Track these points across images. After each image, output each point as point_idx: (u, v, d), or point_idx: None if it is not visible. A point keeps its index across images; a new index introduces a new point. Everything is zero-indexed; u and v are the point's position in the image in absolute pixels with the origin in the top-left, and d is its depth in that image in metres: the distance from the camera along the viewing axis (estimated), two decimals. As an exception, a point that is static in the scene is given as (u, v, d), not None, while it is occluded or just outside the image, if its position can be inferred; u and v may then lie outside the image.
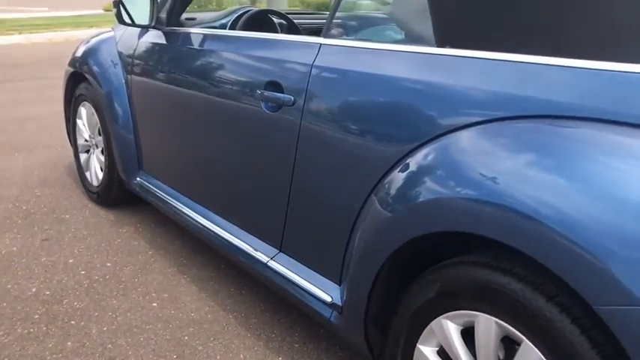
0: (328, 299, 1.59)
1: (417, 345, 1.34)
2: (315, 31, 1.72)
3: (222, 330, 1.96)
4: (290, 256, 1.77)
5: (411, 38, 1.51)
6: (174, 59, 2.27)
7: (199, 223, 2.15)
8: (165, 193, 2.41)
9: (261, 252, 1.86)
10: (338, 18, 1.64)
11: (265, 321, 2.02)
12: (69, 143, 3.30)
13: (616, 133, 1.05)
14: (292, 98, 1.64)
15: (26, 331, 1.91)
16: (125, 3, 2.40)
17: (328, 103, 1.57)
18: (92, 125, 2.94)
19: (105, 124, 2.73)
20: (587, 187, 1.02)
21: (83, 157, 3.10)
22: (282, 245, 1.80)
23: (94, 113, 2.85)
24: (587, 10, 1.17)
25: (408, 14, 1.54)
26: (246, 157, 1.88)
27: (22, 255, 2.42)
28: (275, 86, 1.71)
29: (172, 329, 1.95)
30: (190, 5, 2.56)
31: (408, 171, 1.33)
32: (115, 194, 2.87)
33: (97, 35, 3.01)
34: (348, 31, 1.65)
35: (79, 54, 2.97)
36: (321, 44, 1.63)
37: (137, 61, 2.53)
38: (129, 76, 2.59)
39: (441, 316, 1.27)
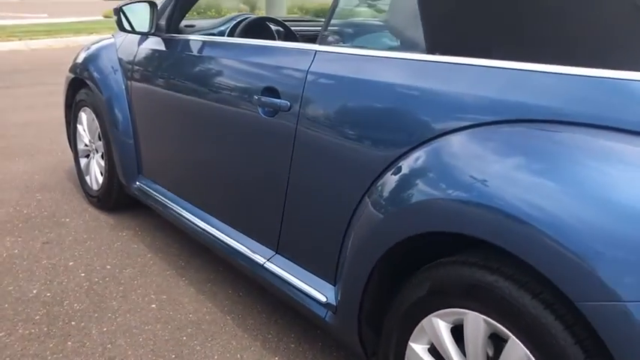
0: (323, 299, 1.63)
1: (409, 343, 1.37)
2: (312, 38, 1.77)
3: (220, 331, 2.00)
4: (286, 258, 1.81)
5: (403, 45, 1.56)
6: (173, 65, 2.32)
7: (198, 226, 2.19)
8: (164, 197, 2.45)
9: (258, 254, 1.90)
10: (333, 25, 1.68)
11: (262, 322, 2.06)
12: (69, 148, 3.35)
13: (599, 137, 1.10)
14: (288, 103, 1.68)
15: (27, 332, 1.94)
16: (125, 10, 2.45)
17: (323, 109, 1.61)
18: (92, 130, 2.98)
19: (105, 129, 2.77)
20: (571, 189, 1.06)
21: (83, 161, 3.15)
22: (279, 247, 1.84)
23: (95, 118, 2.90)
24: (573, 17, 1.21)
25: (400, 22, 1.59)
26: (244, 161, 1.93)
27: (23, 257, 2.46)
28: (272, 92, 1.75)
29: (171, 330, 1.99)
30: (189, 12, 2.61)
31: (400, 174, 1.37)
32: (115, 198, 2.91)
33: (97, 42, 3.06)
34: (342, 38, 1.70)
35: (79, 60, 3.01)
36: (316, 51, 1.67)
37: (137, 67, 2.58)
38: (129, 82, 2.64)
39: (431, 314, 1.31)
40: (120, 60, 2.74)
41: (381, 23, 1.75)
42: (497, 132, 1.23)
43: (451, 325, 1.29)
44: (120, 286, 2.26)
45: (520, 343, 1.12)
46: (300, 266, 1.76)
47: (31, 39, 9.93)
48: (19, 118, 4.83)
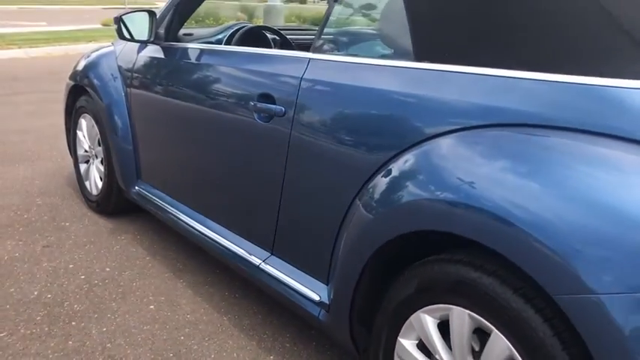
0: (316, 298, 1.68)
1: (398, 338, 1.43)
2: (307, 47, 1.83)
3: (217, 330, 2.05)
4: (281, 259, 1.87)
5: (393, 53, 1.63)
6: (172, 73, 2.38)
7: (196, 229, 2.25)
8: (162, 201, 2.51)
9: (254, 255, 1.95)
10: (326, 34, 1.75)
11: (258, 322, 2.12)
12: (68, 154, 3.40)
13: (579, 140, 1.16)
14: (283, 109, 1.74)
15: (29, 332, 1.99)
16: (125, 20, 2.51)
17: (316, 114, 1.67)
18: (92, 136, 3.04)
19: (105, 135, 2.83)
20: (550, 189, 1.12)
21: (83, 167, 3.20)
22: (274, 248, 1.90)
23: (94, 125, 2.95)
24: (557, 26, 1.27)
25: (390, 32, 1.66)
26: (240, 165, 1.99)
27: (24, 260, 2.51)
28: (267, 98, 1.81)
29: (169, 330, 2.04)
30: (188, 21, 2.67)
31: (390, 176, 1.43)
32: (114, 203, 2.96)
33: (97, 50, 3.12)
34: (335, 46, 1.77)
35: (79, 68, 3.07)
36: (310, 59, 1.74)
37: (136, 75, 2.64)
38: (128, 89, 2.70)
39: (419, 311, 1.36)
40: (119, 67, 2.80)
41: (372, 32, 1.82)
42: (482, 136, 1.29)
43: (438, 321, 1.34)
44: (119, 288, 2.31)
45: (502, 336, 1.18)
46: (295, 267, 1.82)
47: (30, 47, 9.99)
48: (19, 124, 4.88)
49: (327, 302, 1.65)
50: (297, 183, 1.75)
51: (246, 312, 2.18)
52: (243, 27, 2.71)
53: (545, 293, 1.09)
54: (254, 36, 2.66)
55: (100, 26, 14.70)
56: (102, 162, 2.96)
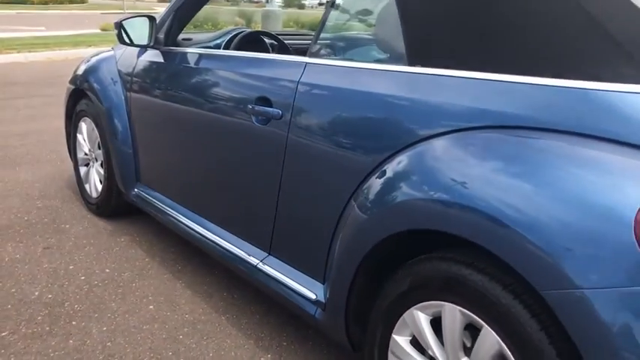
0: (313, 297, 1.72)
1: (392, 335, 1.47)
2: (304, 51, 1.88)
3: (215, 330, 2.09)
4: (278, 259, 1.91)
5: (387, 58, 1.67)
6: (171, 77, 2.42)
7: (194, 230, 2.29)
8: (162, 203, 2.55)
9: (252, 256, 1.99)
10: (322, 39, 1.79)
11: (255, 322, 2.15)
12: (68, 158, 3.44)
13: (566, 142, 1.20)
14: (280, 112, 1.79)
15: (30, 331, 2.03)
16: (125, 25, 2.56)
17: (312, 117, 1.72)
18: (92, 140, 3.08)
19: (105, 138, 2.87)
20: (539, 190, 1.16)
21: (83, 170, 3.24)
22: (272, 249, 1.93)
23: (94, 128, 2.99)
24: (547, 31, 1.31)
25: (384, 37, 1.71)
26: (238, 167, 2.03)
27: (25, 262, 2.54)
28: (265, 101, 1.85)
29: (168, 329, 2.08)
30: (187, 26, 2.72)
31: (384, 177, 1.47)
32: (114, 205, 3.00)
33: (97, 54, 3.16)
34: (331, 51, 1.81)
35: (80, 72, 3.11)
36: (306, 63, 1.78)
37: (136, 79, 2.68)
38: (128, 93, 2.74)
39: (412, 308, 1.40)
40: (119, 72, 2.84)
41: (367, 37, 1.86)
42: (474, 137, 1.33)
43: (430, 318, 1.38)
44: (119, 289, 2.35)
45: (492, 331, 1.22)
46: (292, 266, 1.85)
47: (29, 51, 10.03)
48: (19, 128, 4.92)
49: (324, 301, 1.69)
50: (293, 184, 1.79)
51: (244, 312, 2.22)
52: (242, 32, 2.76)
53: (533, 289, 1.13)
54: (252, 41, 2.70)
55: (98, 31, 14.74)
56: (102, 165, 3.00)
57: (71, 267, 2.51)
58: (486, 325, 1.23)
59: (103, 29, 14.92)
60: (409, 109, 1.47)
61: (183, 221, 2.36)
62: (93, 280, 2.41)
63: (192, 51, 2.42)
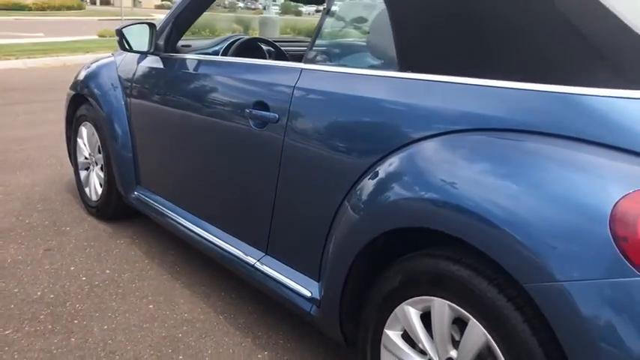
0: (308, 294, 1.78)
1: (384, 330, 1.53)
2: (300, 57, 1.94)
3: (213, 328, 2.14)
4: (275, 258, 1.97)
5: (379, 64, 1.74)
6: (171, 82, 2.49)
7: (193, 231, 2.34)
8: (161, 205, 2.61)
9: (249, 255, 2.05)
10: (317, 46, 1.86)
11: (252, 321, 2.21)
12: (68, 162, 3.50)
13: (549, 144, 1.27)
14: (277, 116, 1.85)
15: (33, 329, 2.08)
16: (126, 32, 2.62)
17: (308, 120, 1.78)
18: (92, 144, 3.14)
19: (105, 142, 2.93)
20: (523, 189, 1.22)
21: (83, 174, 3.30)
22: (268, 248, 1.99)
23: (95, 133, 3.05)
24: (528, 40, 1.38)
25: (376, 44, 1.78)
26: (236, 169, 2.09)
27: (27, 263, 2.59)
28: (262, 106, 1.92)
29: (167, 327, 2.13)
30: (186, 33, 2.78)
31: (376, 178, 1.53)
32: (114, 208, 3.06)
33: (97, 60, 3.22)
34: (325, 57, 1.88)
35: (80, 78, 3.18)
36: (302, 69, 1.85)
37: (136, 85, 2.74)
38: (128, 98, 2.80)
39: (403, 303, 1.46)
40: (119, 77, 2.90)
41: (360, 44, 1.93)
42: (462, 140, 1.40)
43: (421, 312, 1.44)
44: (119, 289, 2.40)
45: (479, 324, 1.28)
46: (288, 265, 1.91)
47: (28, 57, 10.09)
48: (18, 133, 4.97)
49: (319, 298, 1.75)
50: (289, 186, 1.85)
51: (241, 311, 2.27)
52: (240, 39, 2.83)
53: (517, 283, 1.19)
54: (250, 47, 2.77)
55: (96, 37, 14.81)
56: (102, 169, 3.06)
57: (72, 268, 2.57)
58: (473, 318, 1.29)
59: (100, 35, 14.99)
60: (400, 113, 1.53)
61: (183, 223, 2.42)
62: (93, 280, 2.46)
63: (191, 57, 2.48)
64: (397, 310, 1.48)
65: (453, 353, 1.37)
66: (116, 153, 2.85)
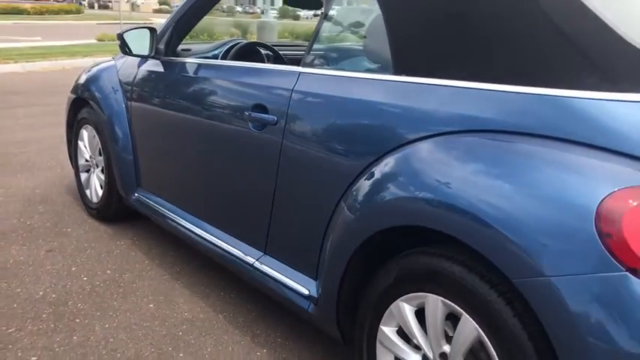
0: (306, 292, 1.82)
1: (380, 326, 1.57)
2: (298, 61, 1.99)
3: (213, 327, 2.18)
4: (273, 257, 2.01)
5: (375, 68, 1.79)
6: (171, 86, 2.53)
7: (193, 232, 2.39)
8: (161, 207, 2.65)
9: (248, 255, 2.09)
10: (314, 50, 1.91)
11: (251, 320, 2.25)
12: (68, 164, 3.54)
13: (539, 145, 1.31)
14: (275, 118, 1.90)
15: (36, 328, 2.12)
16: (127, 36, 2.66)
17: (306, 123, 1.83)
18: (93, 146, 3.18)
19: (106, 145, 2.97)
20: (513, 188, 1.27)
21: (84, 176, 3.34)
22: (267, 248, 2.04)
23: (95, 135, 3.09)
24: (519, 44, 1.42)
25: (372, 48, 1.83)
26: (235, 171, 2.13)
27: (28, 264, 2.63)
28: (261, 108, 1.96)
29: (168, 326, 2.17)
30: (186, 37, 2.83)
31: (372, 178, 1.58)
32: (114, 210, 3.10)
33: (98, 64, 3.27)
34: (323, 61, 1.93)
35: (81, 81, 3.22)
36: (300, 72, 1.89)
37: (137, 88, 2.79)
38: (129, 101, 2.85)
39: (398, 300, 1.50)
40: (120, 81, 2.94)
41: (357, 48, 1.98)
42: (455, 141, 1.44)
43: (415, 309, 1.49)
44: (120, 289, 2.44)
45: (471, 319, 1.32)
46: (286, 264, 1.96)
47: (27, 61, 10.13)
48: (18, 136, 5.01)
49: (316, 296, 1.79)
50: (288, 186, 1.89)
51: (240, 310, 2.32)
52: (239, 43, 2.87)
53: (507, 278, 1.24)
54: (248, 51, 2.81)
55: (95, 41, 14.85)
56: (102, 171, 3.10)
57: (73, 268, 2.61)
58: (465, 314, 1.34)
59: (99, 39, 15.04)
60: (395, 115, 1.58)
61: (183, 224, 2.46)
62: (95, 280, 2.50)
63: (191, 61, 2.52)
64: (392, 306, 1.52)
65: (447, 348, 1.41)
66: (117, 155, 2.89)
